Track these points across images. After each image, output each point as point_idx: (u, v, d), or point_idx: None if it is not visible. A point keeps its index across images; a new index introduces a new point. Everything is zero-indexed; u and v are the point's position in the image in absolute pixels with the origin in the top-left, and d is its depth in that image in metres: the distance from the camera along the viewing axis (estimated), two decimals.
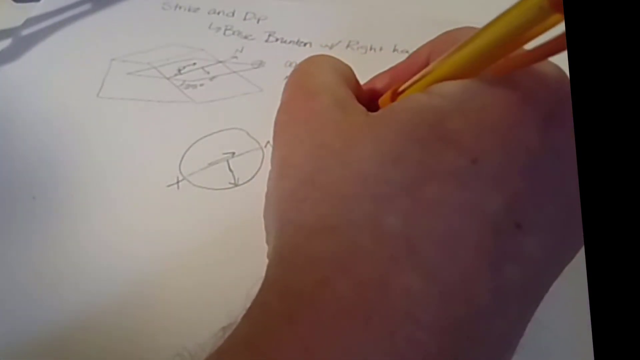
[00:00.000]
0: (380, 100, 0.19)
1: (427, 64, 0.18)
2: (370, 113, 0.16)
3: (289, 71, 0.32)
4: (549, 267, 0.14)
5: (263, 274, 0.24)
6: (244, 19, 0.35)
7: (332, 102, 0.16)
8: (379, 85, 0.20)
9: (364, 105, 0.17)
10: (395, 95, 0.18)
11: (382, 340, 0.12)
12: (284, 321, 0.13)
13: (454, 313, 0.12)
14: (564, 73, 0.15)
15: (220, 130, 0.29)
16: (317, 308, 0.13)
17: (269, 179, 0.17)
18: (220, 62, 0.33)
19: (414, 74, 0.17)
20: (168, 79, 0.32)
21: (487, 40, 0.13)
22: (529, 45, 0.13)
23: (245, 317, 0.14)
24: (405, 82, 0.18)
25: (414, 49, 0.32)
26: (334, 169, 0.14)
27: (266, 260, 0.24)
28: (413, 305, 0.12)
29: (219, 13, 0.36)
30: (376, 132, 0.14)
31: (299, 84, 0.18)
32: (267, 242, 0.17)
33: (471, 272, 0.13)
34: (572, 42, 0.10)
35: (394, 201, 0.13)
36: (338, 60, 0.19)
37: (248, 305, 0.15)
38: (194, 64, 0.32)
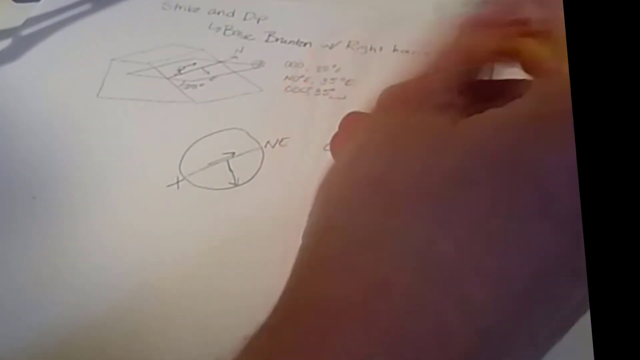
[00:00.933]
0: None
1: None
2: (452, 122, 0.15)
3: (289, 71, 0.32)
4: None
5: (263, 274, 0.24)
6: (244, 19, 0.35)
7: (415, 128, 0.15)
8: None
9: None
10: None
11: None
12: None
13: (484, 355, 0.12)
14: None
15: (220, 130, 0.29)
16: (344, 323, 0.12)
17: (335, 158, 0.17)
18: (220, 62, 0.32)
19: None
20: (168, 79, 0.32)
21: None
22: None
23: (268, 328, 0.14)
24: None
25: (414, 48, 0.32)
26: (380, 177, 0.14)
27: (266, 261, 0.24)
28: (446, 338, 0.12)
29: (219, 13, 0.36)
30: (452, 147, 0.14)
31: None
32: (302, 237, 0.16)
33: (512, 317, 0.12)
34: (572, 41, 0.10)
35: (451, 228, 0.13)
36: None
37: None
38: (194, 64, 0.32)
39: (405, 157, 0.14)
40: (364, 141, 0.15)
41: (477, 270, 0.12)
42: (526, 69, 0.16)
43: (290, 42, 0.33)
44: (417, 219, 0.13)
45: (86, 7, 0.36)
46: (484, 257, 0.12)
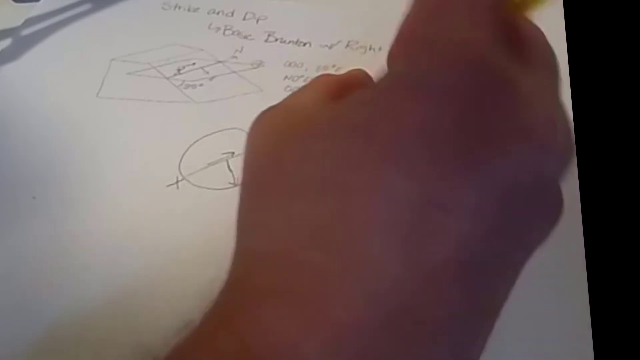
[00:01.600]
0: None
1: None
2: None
3: (288, 71, 0.32)
4: (481, 250, 0.14)
5: None
6: (244, 19, 0.35)
7: (282, 109, 0.18)
8: None
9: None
10: None
11: (297, 317, 0.13)
12: (222, 312, 0.14)
13: (365, 289, 0.13)
14: (467, 47, 0.15)
15: (219, 130, 0.29)
16: (243, 297, 0.14)
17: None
18: (220, 62, 0.33)
19: None
20: (168, 79, 0.32)
21: None
22: None
23: (204, 312, 0.15)
24: None
25: None
26: (266, 172, 0.16)
27: None
28: (323, 283, 0.13)
29: (218, 13, 0.36)
30: (299, 131, 0.16)
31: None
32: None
33: (379, 248, 0.13)
34: (572, 42, 0.10)
35: (302, 193, 0.14)
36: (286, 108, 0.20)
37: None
38: (194, 64, 0.32)
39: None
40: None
41: (334, 219, 0.13)
42: None
43: (289, 42, 0.33)
44: (279, 192, 0.15)
45: (86, 7, 0.36)
46: (336, 208, 0.14)
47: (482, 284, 0.14)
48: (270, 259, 0.14)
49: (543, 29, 0.17)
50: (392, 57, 0.16)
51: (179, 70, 0.32)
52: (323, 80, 0.19)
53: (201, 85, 0.31)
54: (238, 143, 0.28)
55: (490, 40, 0.14)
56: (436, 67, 0.14)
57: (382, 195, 0.13)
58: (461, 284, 0.13)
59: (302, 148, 0.15)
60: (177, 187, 0.26)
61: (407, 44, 0.15)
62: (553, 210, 0.15)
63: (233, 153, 0.28)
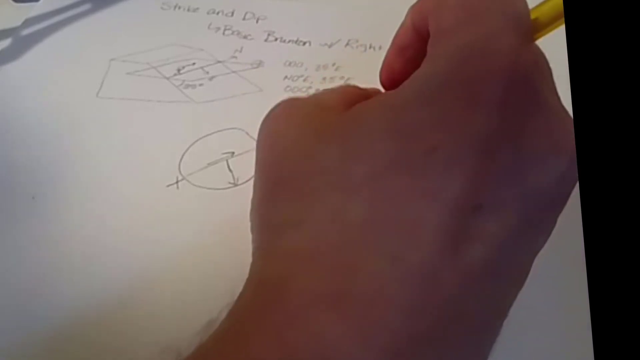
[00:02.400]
0: None
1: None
2: (340, 111, 0.16)
3: (288, 71, 0.32)
4: (517, 247, 0.14)
5: None
6: (243, 18, 0.35)
7: (314, 104, 0.17)
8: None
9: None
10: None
11: (352, 324, 0.12)
12: (258, 314, 0.14)
13: (423, 294, 0.13)
14: (517, 57, 0.15)
15: (219, 130, 0.29)
16: (285, 299, 0.13)
17: (253, 185, 0.18)
18: (220, 62, 0.32)
19: (398, 66, 0.18)
20: (167, 78, 0.32)
21: None
22: None
23: (228, 313, 0.15)
24: (393, 83, 0.18)
25: None
26: (302, 167, 0.15)
27: None
28: (380, 289, 0.13)
29: (218, 13, 0.36)
30: (342, 128, 0.15)
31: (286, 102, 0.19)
32: (252, 242, 0.17)
33: (433, 253, 0.13)
34: (572, 42, 0.10)
35: (356, 193, 0.14)
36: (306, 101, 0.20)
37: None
38: (193, 63, 0.32)
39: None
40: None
41: (391, 223, 0.13)
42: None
43: (289, 41, 0.33)
44: (324, 194, 0.14)
45: (85, 7, 0.36)
46: (391, 211, 0.14)
47: (509, 284, 0.14)
48: (317, 260, 0.14)
49: None
50: (432, 49, 0.16)
51: (178, 70, 0.32)
52: (350, 89, 0.19)
53: (201, 85, 0.31)
54: (238, 143, 0.28)
55: (526, 52, 0.15)
56: (482, 75, 0.14)
57: (430, 198, 0.13)
58: (495, 284, 0.14)
59: (347, 145, 0.15)
60: (177, 187, 0.26)
61: (446, 42, 0.15)
62: (557, 214, 0.15)
63: (233, 153, 0.28)
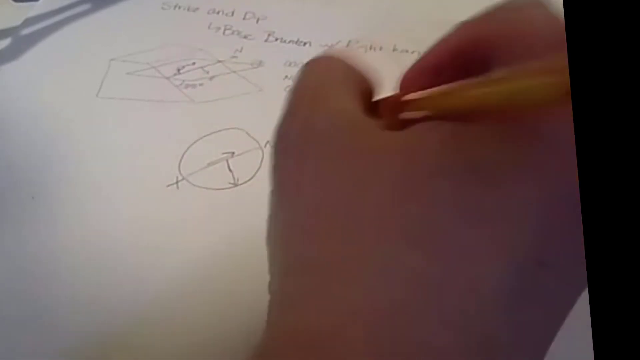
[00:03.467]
0: (384, 106, 0.17)
1: (439, 71, 0.16)
2: (383, 133, 0.14)
3: (288, 71, 0.32)
4: (568, 302, 0.13)
5: (261, 273, 0.24)
6: (244, 18, 0.35)
7: (343, 120, 0.14)
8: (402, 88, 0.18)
9: (384, 114, 0.15)
10: (398, 105, 0.16)
11: None
12: None
13: (478, 355, 0.12)
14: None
15: (219, 130, 0.29)
16: (329, 356, 0.12)
17: (271, 202, 0.16)
18: (220, 61, 0.32)
19: (426, 81, 0.16)
20: (167, 78, 0.32)
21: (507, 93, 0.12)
22: None
23: None
24: (412, 89, 0.16)
25: (414, 48, 0.32)
26: (345, 199, 0.13)
27: (265, 261, 0.24)
28: (436, 349, 0.12)
29: (218, 13, 0.36)
30: (394, 159, 0.13)
31: (304, 97, 0.16)
32: (270, 272, 0.15)
33: (496, 323, 0.12)
34: (572, 42, 0.10)
35: (415, 241, 0.12)
36: (347, 64, 0.17)
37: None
38: (194, 63, 0.32)
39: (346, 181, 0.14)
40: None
41: (455, 282, 0.12)
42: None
43: (289, 41, 0.33)
44: (378, 239, 0.12)
45: (85, 7, 0.36)
46: (454, 265, 0.12)
47: (553, 336, 0.13)
48: (369, 316, 0.12)
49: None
50: None
51: (178, 70, 0.32)
52: (365, 86, 0.16)
53: (201, 85, 0.31)
54: (238, 143, 0.28)
55: None
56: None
57: (498, 250, 0.12)
58: (546, 341, 0.13)
59: (402, 182, 0.13)
60: (177, 187, 0.26)
61: None
62: None
63: (233, 153, 0.28)
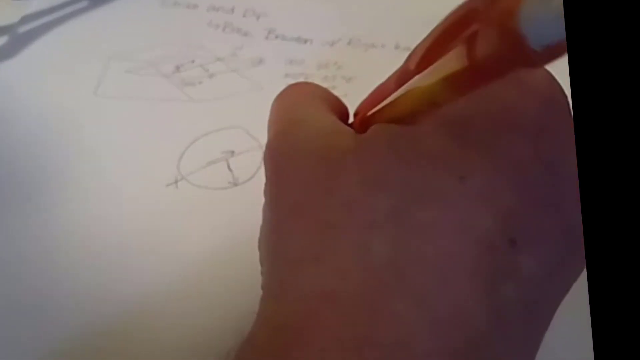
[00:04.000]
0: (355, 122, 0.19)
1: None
2: (352, 134, 0.15)
3: (289, 69, 0.32)
4: (551, 285, 0.14)
5: (259, 272, 0.24)
6: (244, 15, 0.35)
7: (317, 129, 0.16)
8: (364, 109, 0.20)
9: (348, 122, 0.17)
10: (363, 122, 0.17)
11: None
12: (277, 359, 0.13)
13: (450, 339, 0.12)
14: (553, 82, 0.14)
15: (219, 129, 0.28)
16: (305, 342, 0.12)
17: (263, 209, 0.17)
18: (220, 59, 0.32)
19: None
20: (166, 77, 0.31)
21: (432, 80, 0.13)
22: None
23: (236, 357, 0.14)
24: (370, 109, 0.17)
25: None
26: (319, 197, 0.14)
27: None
28: (405, 334, 0.12)
29: (218, 10, 0.35)
30: (359, 156, 0.14)
31: (283, 114, 0.18)
32: (261, 273, 0.16)
33: (464, 295, 0.12)
34: (572, 43, 0.10)
35: (380, 228, 0.13)
36: (319, 86, 0.19)
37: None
38: (193, 61, 0.32)
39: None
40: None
41: (419, 262, 0.12)
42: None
43: (290, 39, 0.33)
44: (345, 229, 0.13)
45: (83, 4, 0.36)
46: (418, 247, 0.13)
47: (540, 325, 0.14)
48: (339, 302, 0.13)
49: None
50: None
51: (177, 68, 0.32)
52: (332, 100, 0.18)
53: (200, 83, 0.31)
54: (238, 142, 0.28)
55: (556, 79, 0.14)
56: (515, 100, 0.14)
57: (461, 233, 0.12)
58: (527, 326, 0.13)
59: (368, 174, 0.14)
60: (177, 187, 0.26)
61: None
62: None
63: (233, 152, 0.27)
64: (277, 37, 0.33)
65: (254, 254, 0.24)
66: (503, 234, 0.13)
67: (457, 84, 0.12)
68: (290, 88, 0.19)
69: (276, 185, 0.16)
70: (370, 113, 0.17)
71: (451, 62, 0.12)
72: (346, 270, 0.13)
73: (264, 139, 0.28)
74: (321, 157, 0.15)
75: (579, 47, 0.10)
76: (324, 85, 0.30)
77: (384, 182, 0.13)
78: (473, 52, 0.12)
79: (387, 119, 0.15)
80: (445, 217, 0.13)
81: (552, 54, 0.10)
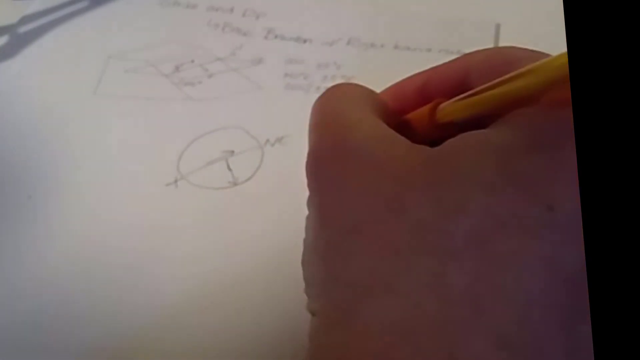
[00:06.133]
0: (414, 117, 0.17)
1: (462, 80, 0.16)
2: (418, 147, 0.14)
3: (288, 68, 0.32)
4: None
5: (262, 272, 0.24)
6: (243, 15, 0.35)
7: (372, 138, 0.14)
8: (407, 98, 0.18)
9: (394, 126, 0.15)
10: (433, 112, 0.16)
11: None
12: None
13: None
14: None
15: (218, 129, 0.28)
16: None
17: (308, 224, 0.16)
18: (219, 59, 0.32)
19: (450, 90, 0.16)
20: (166, 76, 0.31)
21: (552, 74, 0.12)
22: None
23: None
24: (440, 96, 0.16)
25: (416, 46, 0.32)
26: (384, 217, 0.13)
27: (264, 260, 0.23)
28: None
29: (217, 10, 0.35)
30: (434, 174, 0.13)
31: (328, 120, 0.16)
32: (307, 293, 0.15)
33: (544, 334, 0.11)
34: (572, 43, 0.10)
35: (459, 256, 0.12)
36: (364, 87, 0.18)
37: None
38: (192, 61, 0.32)
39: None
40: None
41: (499, 296, 0.12)
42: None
43: (289, 39, 0.33)
44: (419, 255, 0.12)
45: (83, 4, 0.36)
46: (499, 281, 0.12)
47: None
48: (417, 336, 0.12)
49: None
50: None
51: (177, 67, 0.32)
52: (380, 105, 0.17)
53: (200, 82, 0.31)
54: (237, 141, 0.28)
55: None
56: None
57: (545, 267, 0.12)
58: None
59: (443, 196, 0.12)
60: (176, 186, 0.26)
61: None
62: None
63: (232, 151, 0.27)
64: (276, 36, 0.33)
65: (253, 253, 0.24)
66: (582, 269, 0.11)
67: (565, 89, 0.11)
68: (335, 89, 0.17)
69: (328, 197, 0.14)
70: (442, 105, 0.16)
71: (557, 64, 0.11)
72: (421, 302, 0.12)
73: (263, 138, 0.28)
74: (382, 169, 0.14)
75: (579, 47, 0.10)
76: (324, 85, 0.30)
77: (463, 205, 0.12)
78: None
79: (463, 116, 0.14)
80: (530, 249, 0.12)
81: None
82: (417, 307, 0.12)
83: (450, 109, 0.15)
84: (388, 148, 0.14)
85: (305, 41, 0.33)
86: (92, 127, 0.29)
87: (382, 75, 0.26)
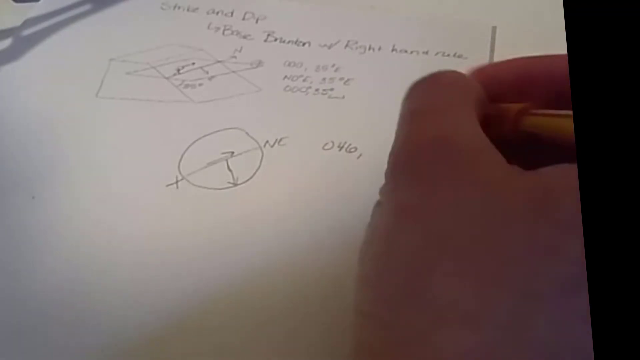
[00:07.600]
0: (499, 111, 0.16)
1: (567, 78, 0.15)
2: (518, 172, 0.13)
3: (287, 71, 0.32)
4: None
5: (262, 273, 0.24)
6: (243, 18, 0.35)
7: (470, 147, 0.14)
8: (503, 83, 0.17)
9: (482, 118, 0.15)
10: (520, 117, 0.15)
11: None
12: None
13: None
14: None
15: (219, 130, 0.29)
16: None
17: (382, 213, 0.14)
18: (219, 61, 0.32)
19: (552, 87, 0.15)
20: (167, 78, 0.32)
21: None
22: None
23: None
24: (540, 91, 0.15)
25: (413, 48, 0.32)
26: (481, 243, 0.12)
27: (265, 260, 0.24)
28: None
29: (217, 13, 0.36)
30: (533, 209, 0.12)
31: (430, 112, 0.15)
32: (361, 295, 0.14)
33: None
34: (572, 42, 0.10)
35: (548, 302, 0.11)
36: (469, 80, 0.16)
37: None
38: (193, 63, 0.32)
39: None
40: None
41: (578, 355, 0.11)
42: None
43: (289, 41, 0.33)
44: (503, 292, 0.12)
45: (85, 7, 0.36)
46: (578, 334, 0.11)
47: None
48: None
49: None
50: None
51: (178, 70, 0.32)
52: (479, 96, 0.15)
53: (200, 85, 0.31)
54: (237, 143, 0.28)
55: None
56: None
57: None
58: None
59: (551, 234, 0.11)
60: (177, 187, 0.26)
61: None
62: None
63: (232, 153, 0.28)
64: (275, 39, 0.34)
65: (252, 253, 0.24)
66: None
67: None
68: (438, 78, 0.16)
69: (409, 201, 0.14)
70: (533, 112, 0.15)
71: None
72: (498, 343, 0.11)
73: (263, 139, 0.29)
74: (480, 190, 0.13)
75: (579, 47, 0.10)
76: (323, 87, 0.31)
77: (558, 249, 0.11)
78: None
79: (549, 135, 0.13)
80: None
81: None
82: (493, 347, 0.11)
83: (538, 121, 0.14)
84: (486, 166, 0.13)
85: (304, 44, 0.33)
86: (95, 129, 0.29)
87: (379, 77, 0.26)
